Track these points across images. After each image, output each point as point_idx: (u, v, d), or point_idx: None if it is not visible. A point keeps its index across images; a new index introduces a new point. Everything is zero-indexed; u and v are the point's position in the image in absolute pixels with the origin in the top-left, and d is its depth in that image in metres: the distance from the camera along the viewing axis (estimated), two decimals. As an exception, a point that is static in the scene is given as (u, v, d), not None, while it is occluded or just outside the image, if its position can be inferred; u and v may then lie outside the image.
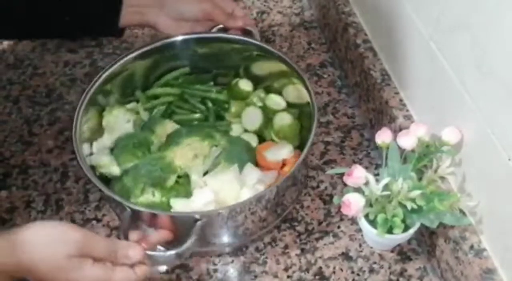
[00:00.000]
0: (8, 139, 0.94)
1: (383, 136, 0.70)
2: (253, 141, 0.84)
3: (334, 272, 0.76)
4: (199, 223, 0.66)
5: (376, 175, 0.69)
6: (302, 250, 0.78)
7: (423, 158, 0.68)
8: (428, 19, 0.69)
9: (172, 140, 0.79)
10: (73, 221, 0.83)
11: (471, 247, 0.66)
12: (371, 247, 0.78)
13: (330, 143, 0.90)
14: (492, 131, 0.59)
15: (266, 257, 0.78)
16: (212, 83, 0.91)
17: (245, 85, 0.88)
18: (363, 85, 0.89)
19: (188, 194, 0.75)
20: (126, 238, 0.64)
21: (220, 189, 0.74)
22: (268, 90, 0.88)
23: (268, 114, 0.86)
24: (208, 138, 0.79)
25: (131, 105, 0.86)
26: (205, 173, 0.77)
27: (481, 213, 0.66)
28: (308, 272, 0.76)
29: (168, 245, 0.68)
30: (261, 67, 0.87)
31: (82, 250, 0.56)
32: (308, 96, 0.77)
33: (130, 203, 0.69)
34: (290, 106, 0.86)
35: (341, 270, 0.76)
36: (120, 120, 0.80)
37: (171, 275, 0.77)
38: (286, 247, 0.79)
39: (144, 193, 0.74)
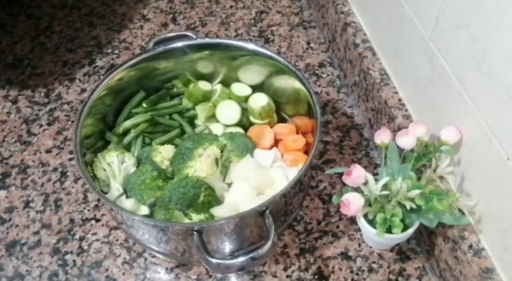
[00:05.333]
0: (7, 139, 0.94)
1: (382, 136, 0.70)
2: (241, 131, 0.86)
3: (333, 272, 0.76)
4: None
5: (375, 174, 0.69)
6: (301, 249, 0.78)
7: (422, 157, 0.68)
8: (428, 19, 0.69)
9: (183, 157, 0.78)
10: (72, 220, 0.83)
11: (470, 246, 0.66)
12: (370, 247, 0.78)
13: (329, 142, 0.90)
14: (491, 131, 0.60)
15: (265, 257, 0.78)
16: (168, 97, 0.91)
17: (204, 85, 0.89)
18: (362, 85, 0.89)
19: (219, 202, 0.75)
20: None
21: (250, 179, 0.75)
22: (224, 83, 0.90)
23: (240, 101, 0.88)
24: (214, 141, 0.79)
25: (112, 145, 0.84)
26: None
27: (480, 212, 0.66)
28: (307, 272, 0.76)
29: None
30: (254, 71, 0.87)
31: None
32: (308, 96, 0.77)
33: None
34: (253, 87, 0.89)
35: (340, 269, 0.76)
36: (116, 164, 0.78)
37: (170, 275, 0.77)
38: (285, 246, 0.79)
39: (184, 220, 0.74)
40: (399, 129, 0.71)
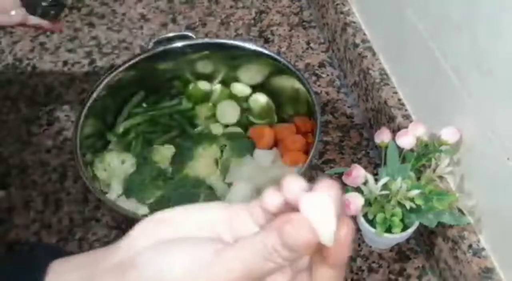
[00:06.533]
0: (7, 139, 0.94)
1: (382, 136, 0.70)
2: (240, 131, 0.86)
3: (333, 272, 0.76)
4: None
5: (375, 174, 0.69)
6: (301, 249, 0.78)
7: (422, 157, 0.68)
8: (428, 18, 0.69)
9: (182, 158, 0.78)
10: (72, 220, 0.83)
11: (470, 246, 0.66)
12: (370, 247, 0.78)
13: (329, 142, 0.90)
14: (491, 131, 0.60)
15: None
16: (168, 97, 0.90)
17: (204, 85, 0.89)
18: (362, 85, 0.89)
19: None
20: None
21: (250, 179, 0.75)
22: (224, 83, 0.90)
23: (240, 101, 0.88)
24: (214, 142, 0.79)
25: (112, 145, 0.84)
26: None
27: (480, 212, 0.66)
28: (307, 272, 0.76)
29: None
30: (253, 71, 0.87)
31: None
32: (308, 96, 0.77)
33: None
34: (253, 87, 0.89)
35: (340, 269, 0.76)
36: (116, 164, 0.79)
37: (170, 275, 0.77)
38: (285, 246, 0.79)
39: None
40: (399, 129, 0.71)
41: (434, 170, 0.67)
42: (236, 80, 0.89)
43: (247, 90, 0.89)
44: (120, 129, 0.84)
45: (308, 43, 1.07)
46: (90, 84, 1.02)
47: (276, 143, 0.84)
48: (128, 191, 0.76)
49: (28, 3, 0.74)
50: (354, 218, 0.78)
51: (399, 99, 0.81)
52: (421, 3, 0.70)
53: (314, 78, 1.00)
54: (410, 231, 0.70)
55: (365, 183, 0.67)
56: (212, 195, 0.75)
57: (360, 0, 0.93)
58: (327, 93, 0.98)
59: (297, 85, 0.79)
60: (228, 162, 0.79)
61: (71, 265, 0.36)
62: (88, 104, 0.77)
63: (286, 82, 0.83)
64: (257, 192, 0.75)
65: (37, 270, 0.36)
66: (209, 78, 0.90)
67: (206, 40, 0.88)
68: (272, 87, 0.87)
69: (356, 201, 0.66)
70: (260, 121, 0.86)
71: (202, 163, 0.77)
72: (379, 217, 0.68)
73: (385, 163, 0.70)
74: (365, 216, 0.70)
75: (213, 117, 0.88)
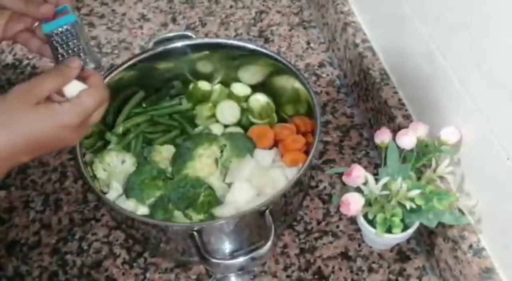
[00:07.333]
0: (6, 139, 0.94)
1: (382, 136, 0.70)
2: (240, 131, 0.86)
3: (333, 272, 0.76)
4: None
5: (375, 174, 0.69)
6: (301, 249, 0.78)
7: (422, 157, 0.68)
8: (428, 18, 0.69)
9: (182, 158, 0.78)
10: (72, 220, 0.83)
11: (470, 246, 0.66)
12: (370, 247, 0.78)
13: (329, 142, 0.90)
14: (491, 131, 0.60)
15: (265, 257, 0.78)
16: (168, 97, 0.90)
17: (204, 85, 0.89)
18: (362, 85, 0.89)
19: (219, 202, 0.75)
20: None
21: (250, 179, 0.75)
22: (224, 83, 0.90)
23: (240, 101, 0.88)
24: (214, 142, 0.79)
25: (112, 145, 0.83)
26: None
27: (480, 212, 0.66)
28: (307, 272, 0.76)
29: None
30: (253, 71, 0.87)
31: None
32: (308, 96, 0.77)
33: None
34: (253, 87, 0.89)
35: (340, 269, 0.76)
36: (116, 164, 0.79)
37: (170, 275, 0.77)
38: (285, 246, 0.79)
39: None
40: (399, 129, 0.71)
41: (434, 170, 0.67)
42: (236, 80, 0.89)
43: (247, 90, 0.89)
44: (120, 129, 0.84)
45: (308, 43, 1.07)
46: (90, 84, 1.02)
47: (276, 143, 0.84)
48: (128, 191, 0.76)
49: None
50: (354, 218, 0.78)
51: (399, 99, 0.81)
52: (421, 3, 0.70)
53: (314, 78, 1.00)
54: (410, 231, 0.70)
55: (365, 183, 0.67)
56: (212, 195, 0.75)
57: (360, 0, 0.93)
58: (327, 93, 0.98)
59: (297, 85, 0.79)
60: (228, 162, 0.79)
61: None
62: None
63: (286, 82, 0.83)
64: (257, 191, 0.75)
65: None
66: (209, 78, 0.90)
67: (206, 40, 0.88)
68: (272, 87, 0.87)
69: (356, 201, 0.66)
70: (260, 121, 0.86)
71: (202, 163, 0.77)
72: (379, 217, 0.68)
73: (385, 163, 0.70)
74: (365, 216, 0.70)
75: (213, 117, 0.88)
